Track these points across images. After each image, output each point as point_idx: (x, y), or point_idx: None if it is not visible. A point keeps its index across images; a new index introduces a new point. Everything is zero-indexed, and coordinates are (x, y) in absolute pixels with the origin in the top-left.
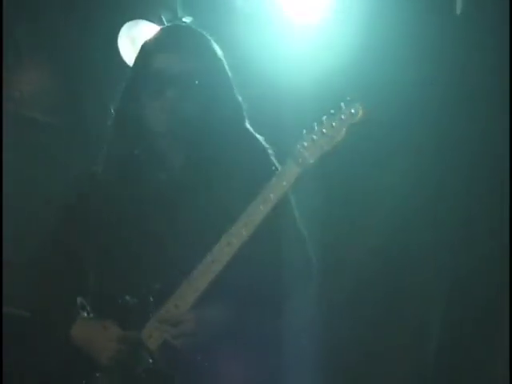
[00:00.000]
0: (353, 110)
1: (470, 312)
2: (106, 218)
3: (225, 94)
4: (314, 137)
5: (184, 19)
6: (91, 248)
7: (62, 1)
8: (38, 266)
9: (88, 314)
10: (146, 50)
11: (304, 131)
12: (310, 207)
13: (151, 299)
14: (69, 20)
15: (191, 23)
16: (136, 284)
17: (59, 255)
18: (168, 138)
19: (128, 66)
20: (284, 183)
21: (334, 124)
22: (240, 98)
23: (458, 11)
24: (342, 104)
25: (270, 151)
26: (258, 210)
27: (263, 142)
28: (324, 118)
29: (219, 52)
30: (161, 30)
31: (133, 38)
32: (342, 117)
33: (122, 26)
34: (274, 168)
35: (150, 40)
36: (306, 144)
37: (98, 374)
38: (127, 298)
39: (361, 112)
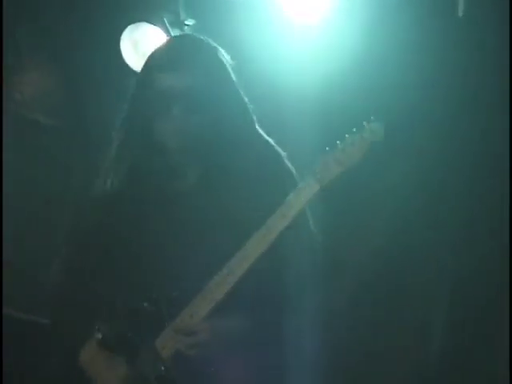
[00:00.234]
0: (375, 129)
1: (470, 312)
2: (126, 233)
3: (232, 102)
4: (335, 154)
5: (186, 22)
6: (110, 262)
7: (62, 1)
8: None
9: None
10: (149, 68)
11: (327, 148)
12: (311, 207)
13: (167, 309)
14: (70, 21)
15: (194, 26)
16: (154, 293)
17: (80, 280)
18: (182, 153)
19: (130, 67)
20: (302, 199)
21: (355, 142)
22: (246, 100)
23: (460, 13)
24: (365, 123)
25: (282, 154)
26: (275, 225)
27: (276, 147)
28: (346, 136)
29: (224, 59)
30: (162, 45)
31: (135, 41)
32: (364, 135)
33: (124, 27)
34: (289, 173)
35: (152, 56)
36: (325, 161)
37: None
38: (145, 305)
39: (382, 131)
